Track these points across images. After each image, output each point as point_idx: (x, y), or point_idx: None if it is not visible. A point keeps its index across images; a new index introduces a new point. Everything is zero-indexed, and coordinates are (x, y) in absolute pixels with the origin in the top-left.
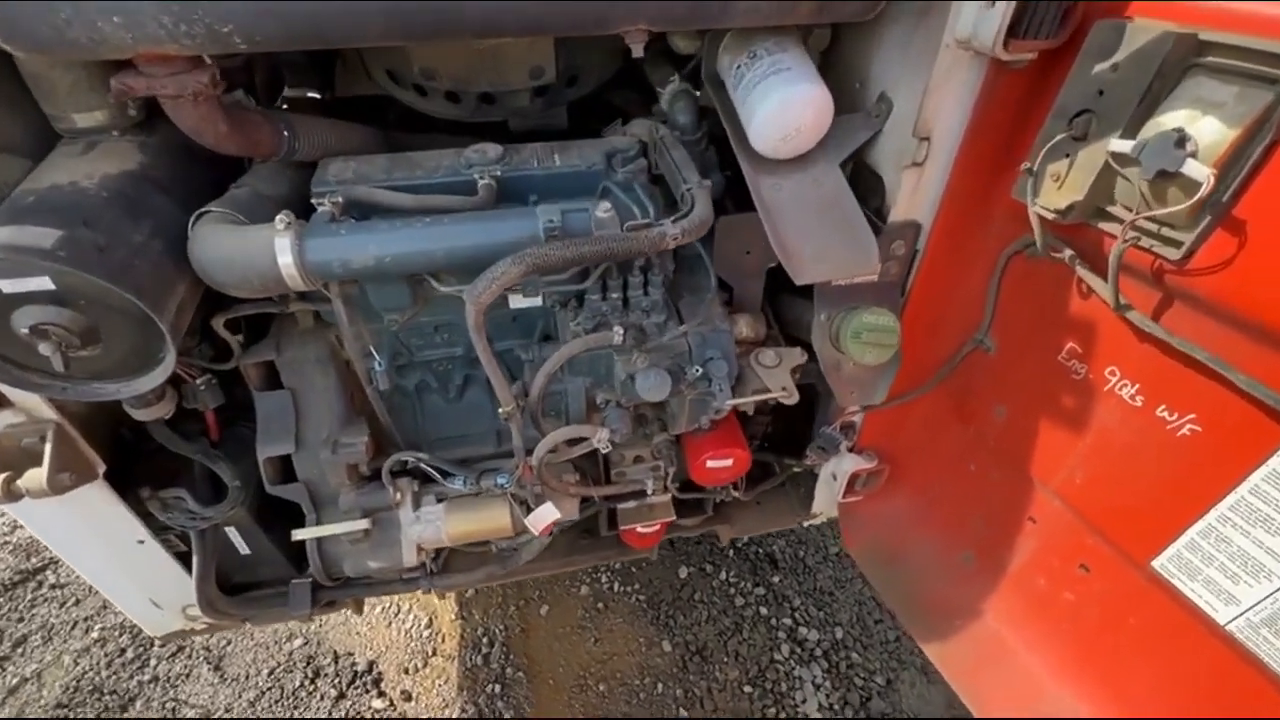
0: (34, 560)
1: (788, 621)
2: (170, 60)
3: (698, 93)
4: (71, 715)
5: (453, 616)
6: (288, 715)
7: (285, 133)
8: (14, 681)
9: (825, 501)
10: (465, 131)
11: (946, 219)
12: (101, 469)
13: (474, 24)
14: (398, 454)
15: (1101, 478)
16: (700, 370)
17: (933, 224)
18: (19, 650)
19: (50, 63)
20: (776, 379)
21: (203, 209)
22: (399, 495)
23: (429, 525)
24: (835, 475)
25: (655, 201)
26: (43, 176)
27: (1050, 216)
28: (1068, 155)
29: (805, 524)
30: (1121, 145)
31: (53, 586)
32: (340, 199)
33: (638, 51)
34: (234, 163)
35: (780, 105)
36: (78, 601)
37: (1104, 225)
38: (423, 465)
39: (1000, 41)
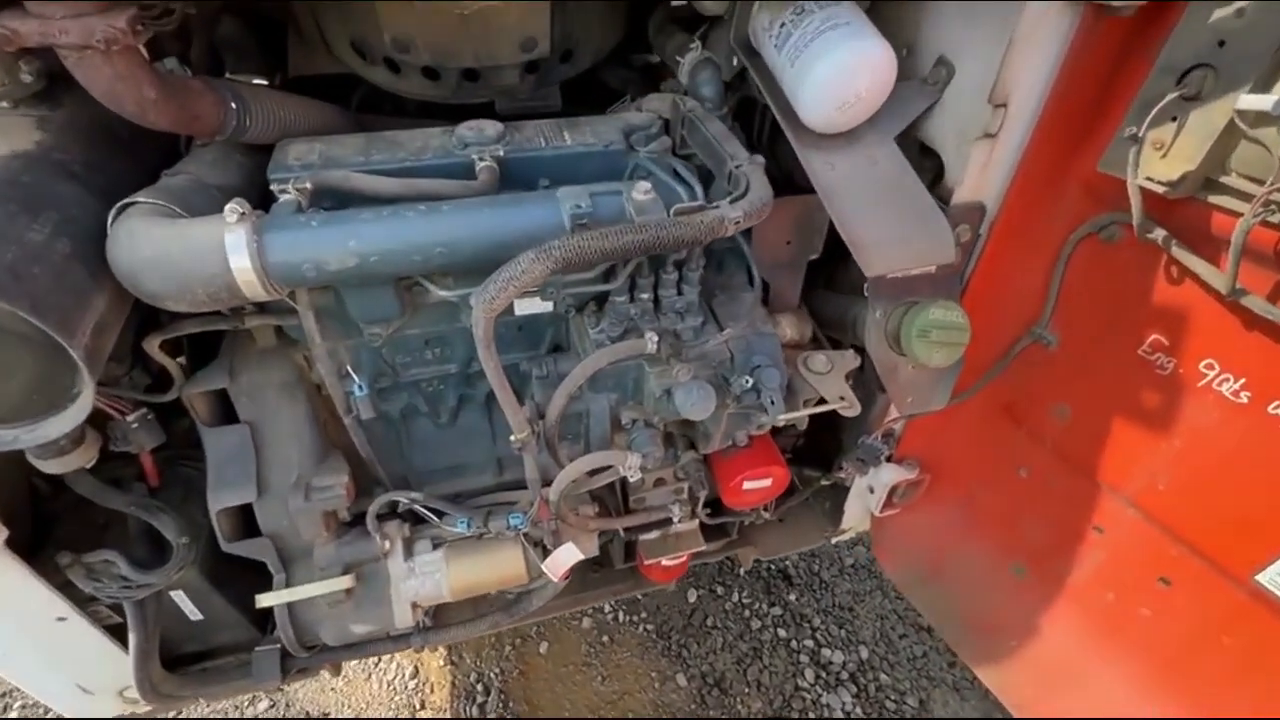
0: None
1: (809, 643)
2: None
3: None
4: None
5: (441, 662)
6: None
7: (233, 104)
8: None
9: (857, 515)
10: (444, 116)
11: (1015, 199)
12: (2, 535)
13: None
14: (385, 495)
15: (1193, 484)
16: (750, 381)
17: (1000, 205)
18: None
19: None
20: (832, 387)
21: (127, 200)
22: (388, 544)
23: (426, 578)
24: (873, 488)
25: (698, 181)
26: None
27: (1160, 190)
28: (1174, 118)
29: (834, 540)
30: (1258, 102)
31: None
32: (308, 185)
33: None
34: (167, 146)
35: (838, 67)
36: None
37: (1215, 199)
38: (416, 506)
39: None
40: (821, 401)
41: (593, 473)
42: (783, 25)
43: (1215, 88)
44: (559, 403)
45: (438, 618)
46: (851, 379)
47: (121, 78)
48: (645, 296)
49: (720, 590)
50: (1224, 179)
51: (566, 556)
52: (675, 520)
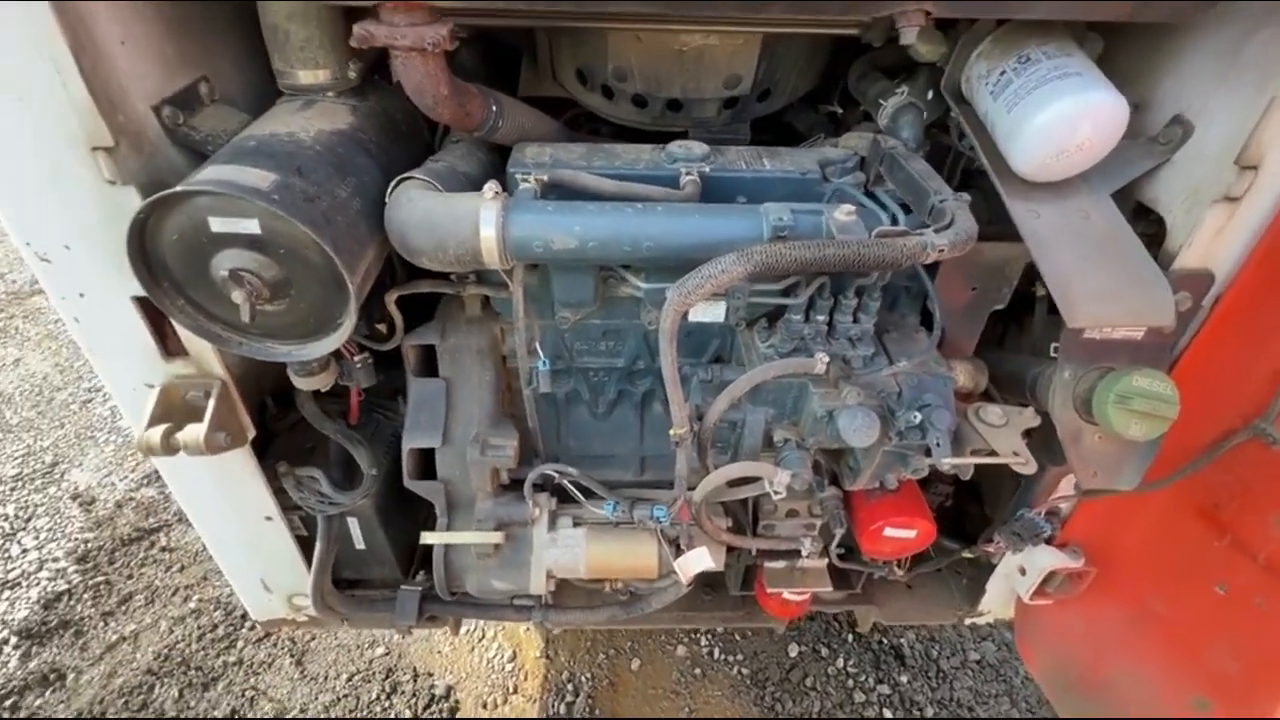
0: (151, 520)
1: None
2: (414, 10)
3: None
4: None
5: (538, 653)
6: None
7: (493, 107)
8: (113, 638)
9: (999, 599)
10: (643, 141)
11: (1255, 272)
12: (252, 434)
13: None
14: (544, 466)
15: None
16: (918, 418)
17: (1235, 275)
18: (123, 607)
19: (289, 14)
20: (1005, 441)
21: (405, 174)
22: (537, 511)
23: (567, 550)
24: (1025, 570)
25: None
26: (264, 125)
27: None
28: None
29: (967, 622)
30: None
31: (163, 549)
32: (545, 177)
33: (908, 38)
34: (426, 140)
35: (1063, 113)
36: (183, 568)
37: None
38: (568, 483)
39: None
40: (993, 454)
41: (735, 485)
42: (1003, 73)
43: None
44: (720, 406)
45: (555, 600)
46: (1028, 439)
47: (429, 75)
48: (821, 319)
49: (825, 652)
50: None
51: (698, 560)
52: (804, 554)
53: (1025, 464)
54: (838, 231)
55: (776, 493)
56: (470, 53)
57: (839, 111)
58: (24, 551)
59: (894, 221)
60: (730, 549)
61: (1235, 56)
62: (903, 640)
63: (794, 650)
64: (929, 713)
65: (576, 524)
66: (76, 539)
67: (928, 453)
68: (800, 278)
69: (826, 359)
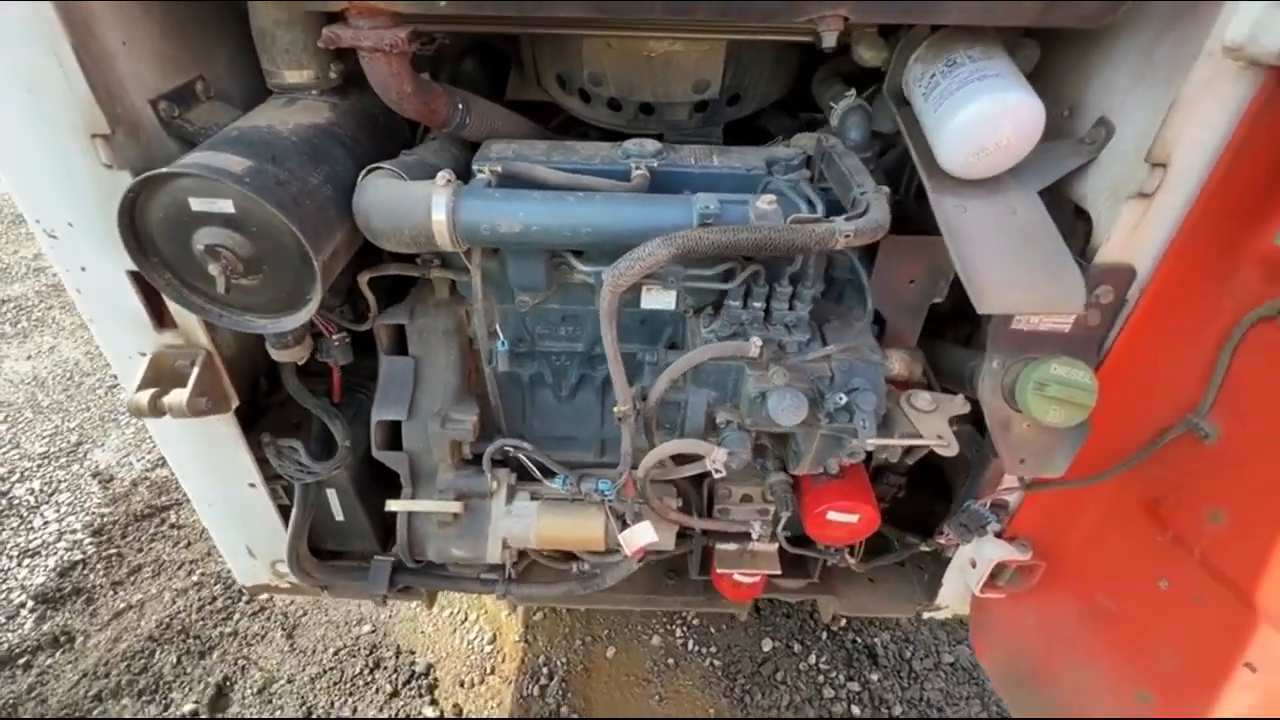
0: (163, 499)
1: None
2: (376, 14)
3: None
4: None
5: (516, 637)
6: (344, 700)
7: (460, 106)
8: (121, 606)
9: (955, 593)
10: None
11: (1174, 266)
12: (235, 403)
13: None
14: (502, 440)
15: None
16: (844, 399)
17: (1154, 270)
18: (131, 578)
19: (275, 21)
20: (931, 425)
21: (374, 165)
22: (495, 484)
23: (519, 520)
24: (975, 562)
25: (822, 202)
26: (249, 119)
27: None
28: None
29: (925, 615)
30: None
31: (172, 526)
32: (499, 169)
33: (828, 42)
34: (406, 136)
35: (981, 113)
36: (189, 544)
37: None
38: (524, 458)
39: None
40: (918, 437)
41: (681, 463)
42: (933, 76)
43: None
44: (661, 386)
45: (522, 578)
46: (955, 424)
47: (393, 74)
48: (758, 305)
49: (798, 648)
50: None
51: (641, 534)
52: (754, 536)
53: (947, 447)
54: (756, 219)
55: (718, 471)
56: (473, 63)
57: (817, 117)
58: (45, 523)
59: (813, 211)
60: (686, 533)
61: (1148, 59)
62: (877, 640)
63: (768, 645)
64: (897, 710)
65: (534, 498)
66: (94, 513)
67: (855, 433)
68: (734, 264)
69: (760, 343)
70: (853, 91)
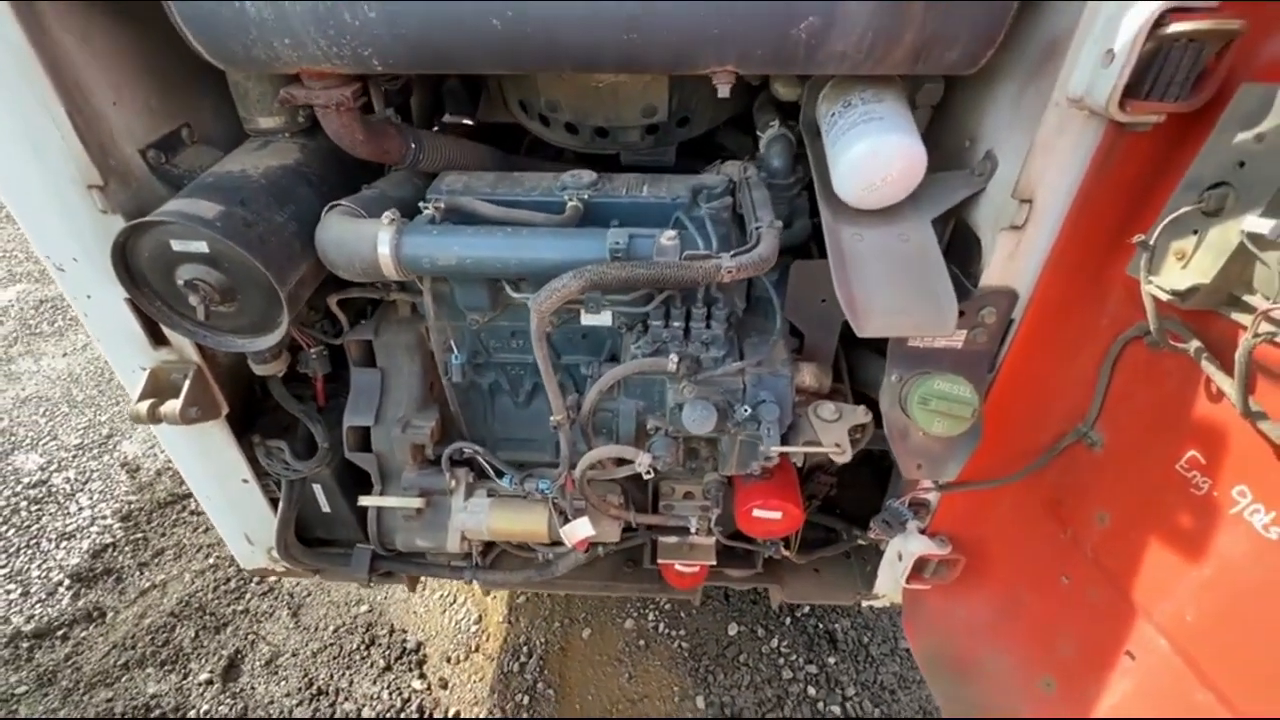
0: (184, 488)
1: (836, 710)
2: (325, 76)
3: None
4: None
5: (501, 619)
6: (342, 672)
7: (412, 145)
8: (146, 585)
9: (890, 583)
10: (584, 161)
11: (1050, 290)
12: (225, 410)
13: (573, 57)
14: (459, 443)
15: (1219, 621)
16: (749, 411)
17: (1032, 294)
18: (156, 560)
19: (247, 76)
20: (831, 434)
21: (334, 203)
22: (454, 483)
23: (474, 516)
24: (901, 555)
25: (723, 237)
26: (224, 164)
27: (1165, 298)
28: (1195, 231)
29: (865, 604)
30: (1259, 225)
31: (192, 512)
32: (443, 204)
33: (724, 93)
34: (375, 171)
35: (865, 153)
36: (207, 530)
37: (1237, 315)
38: (479, 458)
39: (1116, 101)
40: (818, 445)
41: (620, 464)
42: (833, 115)
43: (1234, 206)
44: (591, 397)
45: (494, 565)
46: (859, 433)
47: (344, 125)
48: (677, 324)
49: (761, 633)
50: (1247, 297)
51: (580, 528)
52: (692, 530)
53: (841, 453)
54: (657, 254)
55: (646, 473)
56: (457, 83)
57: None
58: (80, 509)
59: (709, 246)
60: (630, 526)
61: (1016, 105)
62: (838, 626)
63: (733, 629)
64: (850, 691)
65: (490, 495)
66: (122, 500)
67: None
68: (650, 290)
69: (677, 359)
70: (776, 121)
